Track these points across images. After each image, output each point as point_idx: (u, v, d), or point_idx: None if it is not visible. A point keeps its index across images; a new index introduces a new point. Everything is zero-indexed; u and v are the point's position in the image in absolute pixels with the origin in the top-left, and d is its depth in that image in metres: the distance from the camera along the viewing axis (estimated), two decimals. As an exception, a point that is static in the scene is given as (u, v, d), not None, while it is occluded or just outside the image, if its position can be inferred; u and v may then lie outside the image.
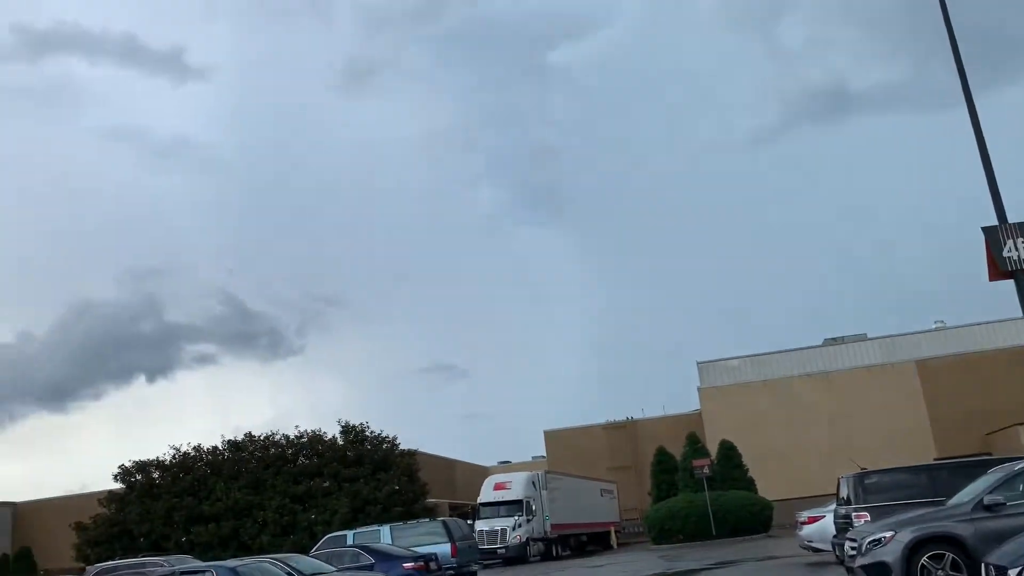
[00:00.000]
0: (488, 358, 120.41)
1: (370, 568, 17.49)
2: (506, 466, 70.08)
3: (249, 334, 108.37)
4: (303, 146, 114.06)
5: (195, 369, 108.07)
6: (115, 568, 22.29)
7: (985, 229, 14.34)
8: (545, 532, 36.84)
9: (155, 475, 39.28)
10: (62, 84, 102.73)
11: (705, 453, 36.92)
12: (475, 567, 21.69)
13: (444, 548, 20.46)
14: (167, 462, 39.59)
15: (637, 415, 56.99)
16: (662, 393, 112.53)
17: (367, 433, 39.91)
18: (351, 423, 39.87)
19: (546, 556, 36.48)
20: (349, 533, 22.00)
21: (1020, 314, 14.03)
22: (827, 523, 16.90)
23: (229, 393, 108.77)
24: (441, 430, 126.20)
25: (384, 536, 21.07)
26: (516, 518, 35.19)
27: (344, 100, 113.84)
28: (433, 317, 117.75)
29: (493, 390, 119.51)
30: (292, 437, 39.98)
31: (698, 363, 50.87)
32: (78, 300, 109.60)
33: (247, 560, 15.01)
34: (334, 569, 16.48)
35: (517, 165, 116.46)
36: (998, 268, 14.12)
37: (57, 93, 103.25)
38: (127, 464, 39.30)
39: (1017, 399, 40.58)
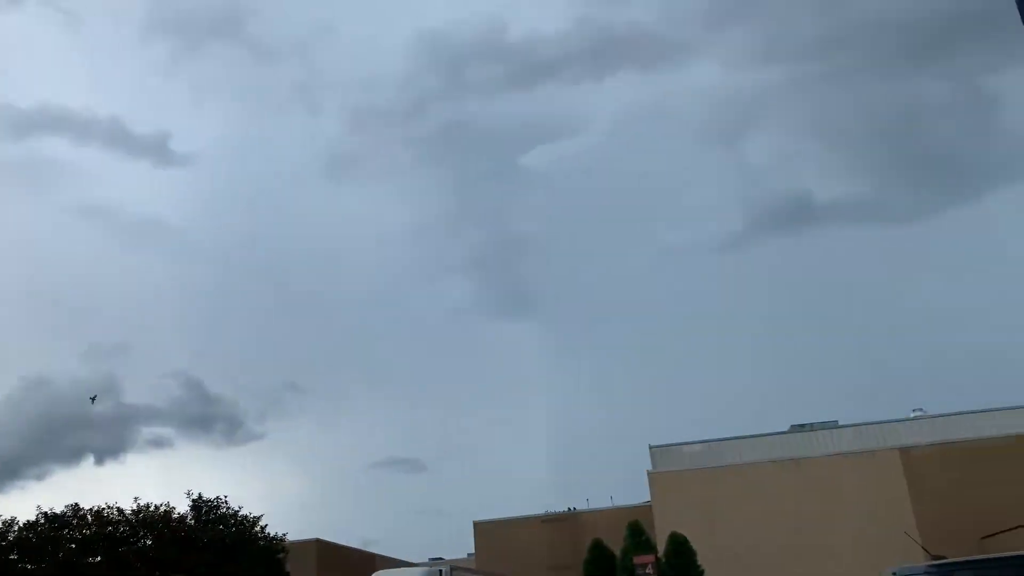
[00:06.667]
0: (449, 453, 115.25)
1: None
2: (435, 563, 62.51)
3: (208, 417, 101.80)
4: (276, 233, 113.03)
5: (147, 452, 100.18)
6: None
7: None
8: (447, 645, 29.51)
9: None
10: (43, 162, 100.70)
11: (650, 547, 30.47)
12: None
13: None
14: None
15: (582, 506, 51.46)
16: (611, 482, 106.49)
17: (221, 510, 31.91)
18: (203, 496, 31.92)
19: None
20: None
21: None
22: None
23: (181, 477, 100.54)
24: (397, 526, 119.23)
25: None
26: (405, 625, 27.89)
27: (323, 191, 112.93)
28: (398, 409, 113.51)
29: (453, 485, 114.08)
30: (128, 513, 31.70)
31: (651, 447, 44.45)
32: (34, 375, 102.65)
33: None
34: None
35: (488, 262, 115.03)
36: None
37: (37, 170, 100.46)
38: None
39: (1018, 494, 34.33)
